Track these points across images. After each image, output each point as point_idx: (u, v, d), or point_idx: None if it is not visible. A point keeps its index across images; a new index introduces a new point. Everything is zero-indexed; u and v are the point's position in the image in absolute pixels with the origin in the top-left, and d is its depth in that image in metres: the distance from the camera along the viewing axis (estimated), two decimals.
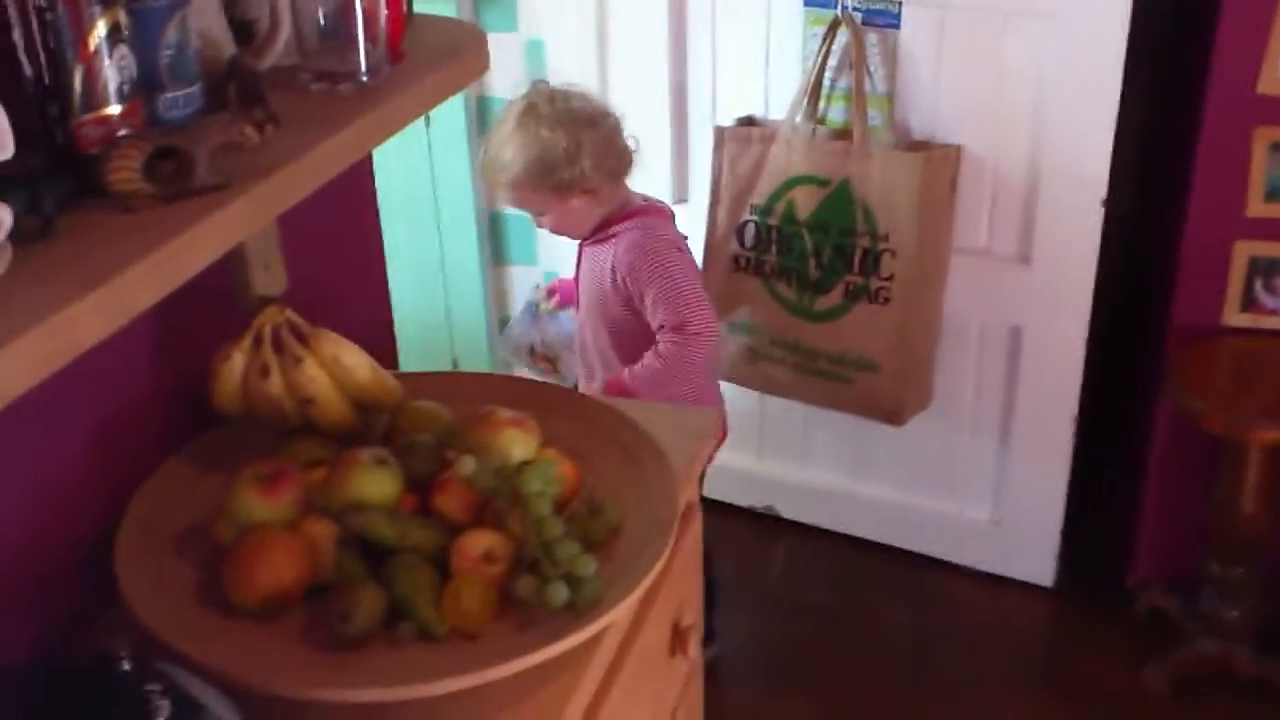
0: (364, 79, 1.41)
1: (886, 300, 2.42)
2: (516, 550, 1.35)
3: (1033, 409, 2.55)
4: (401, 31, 1.52)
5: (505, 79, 2.77)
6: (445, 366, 3.06)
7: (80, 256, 1.06)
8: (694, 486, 1.72)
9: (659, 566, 1.36)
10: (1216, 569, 2.37)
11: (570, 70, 2.68)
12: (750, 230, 2.52)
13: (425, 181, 2.89)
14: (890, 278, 2.41)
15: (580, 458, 1.52)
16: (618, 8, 2.61)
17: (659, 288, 2.20)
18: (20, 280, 0.99)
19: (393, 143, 1.50)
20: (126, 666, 1.17)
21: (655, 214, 2.28)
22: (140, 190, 1.13)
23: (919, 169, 2.35)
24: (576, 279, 2.36)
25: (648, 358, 2.22)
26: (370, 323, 1.93)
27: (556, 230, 2.31)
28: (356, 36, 1.40)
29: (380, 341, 1.97)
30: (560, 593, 1.29)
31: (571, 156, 2.18)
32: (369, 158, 1.87)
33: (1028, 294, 2.46)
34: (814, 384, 2.53)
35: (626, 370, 2.24)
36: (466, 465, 1.39)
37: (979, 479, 2.67)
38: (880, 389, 2.47)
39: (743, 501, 2.92)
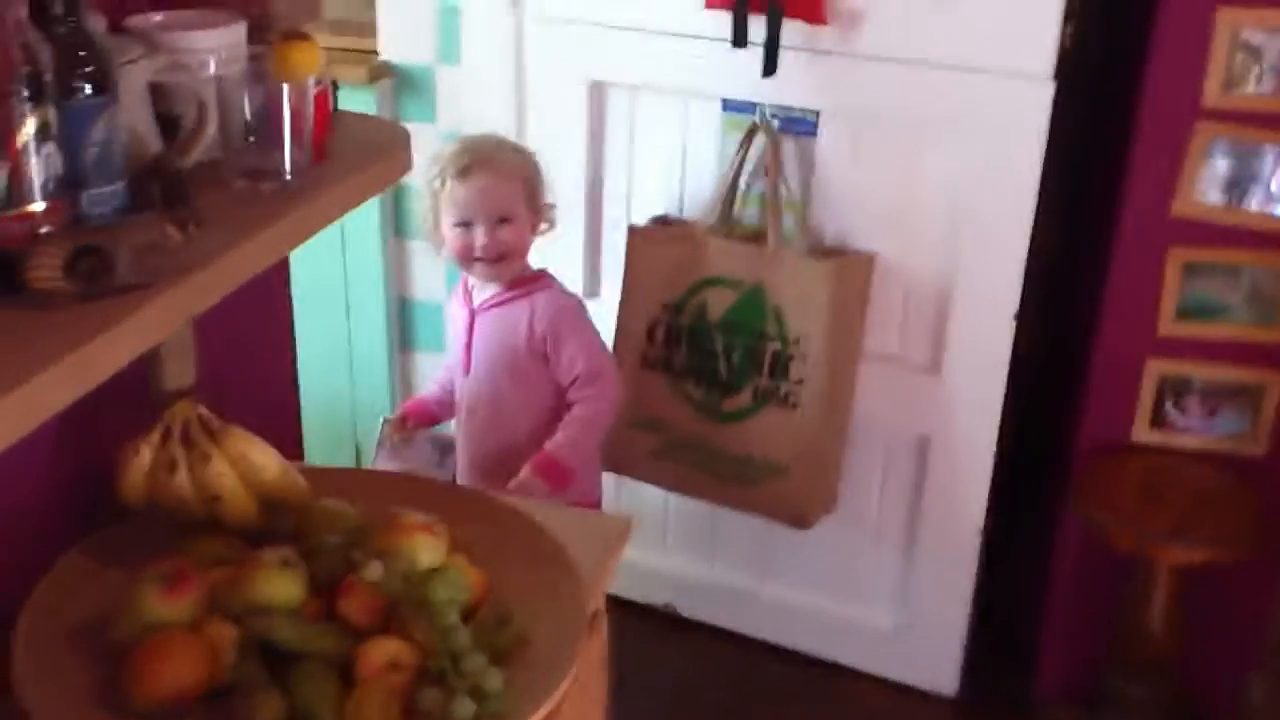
0: (287, 178, 1.41)
1: (795, 405, 2.44)
2: (422, 659, 1.34)
3: (938, 517, 2.58)
4: (327, 131, 1.52)
5: (421, 168, 2.78)
6: (348, 453, 3.02)
7: None
8: (601, 593, 1.72)
9: (567, 682, 1.35)
10: (1120, 687, 2.39)
11: None
12: (661, 329, 2.54)
13: (336, 267, 2.87)
14: (800, 382, 2.43)
15: (488, 563, 1.51)
16: (537, 102, 2.64)
17: (579, 340, 2.31)
18: None
19: None
20: None
21: (551, 278, 2.38)
22: (60, 289, 1.12)
23: (831, 276, 2.39)
24: (469, 348, 2.35)
25: (567, 424, 2.28)
26: (277, 414, 1.92)
27: (503, 249, 2.27)
28: (281, 136, 1.40)
29: (286, 433, 1.95)
30: (466, 708, 1.27)
31: (547, 186, 2.34)
32: None
33: (937, 403, 2.50)
34: (720, 485, 2.54)
35: (549, 444, 2.27)
36: (373, 570, 1.37)
37: (883, 585, 2.69)
38: (787, 493, 2.48)
39: (641, 597, 2.90)
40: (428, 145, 2.73)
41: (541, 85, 2.63)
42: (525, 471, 2.25)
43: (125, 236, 1.16)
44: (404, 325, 2.98)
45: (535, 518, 1.61)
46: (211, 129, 1.38)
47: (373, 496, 1.62)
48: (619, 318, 2.58)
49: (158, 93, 1.38)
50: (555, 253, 2.70)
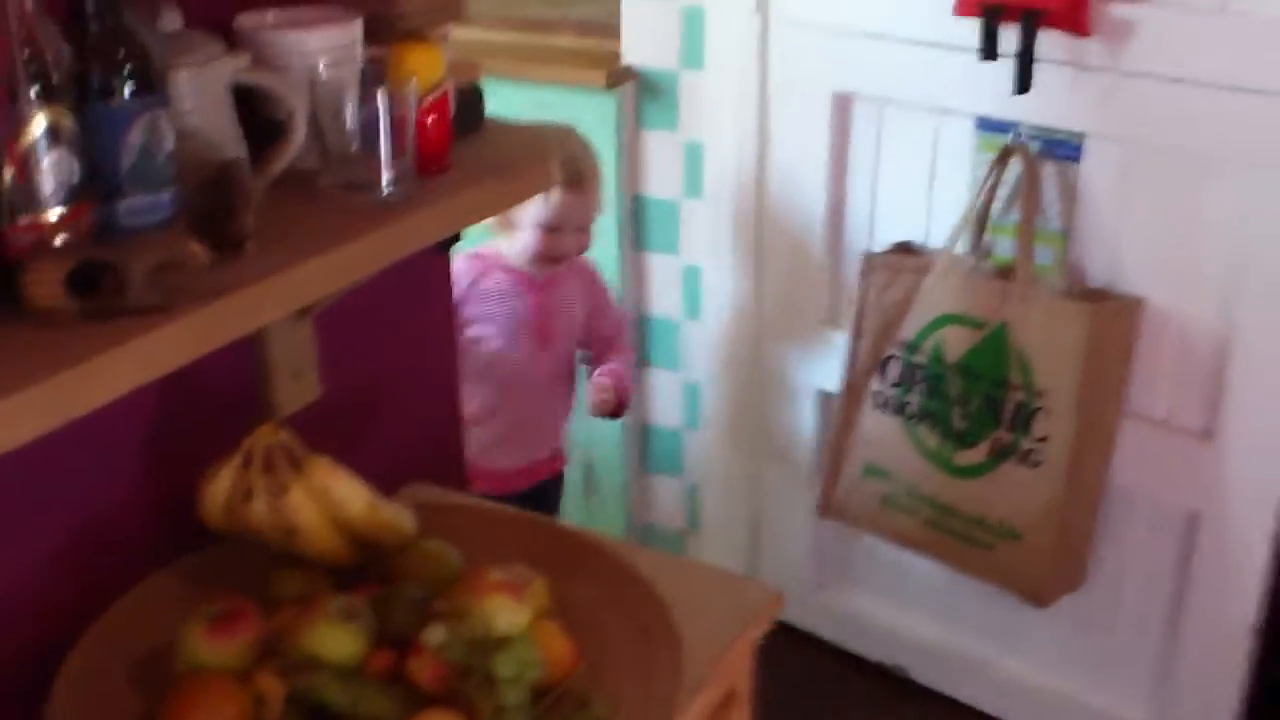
0: (384, 192, 1.29)
1: (1037, 464, 2.15)
2: None
3: (1206, 609, 2.21)
4: (447, 141, 1.39)
5: (661, 178, 2.64)
6: None
7: None
8: (739, 672, 1.52)
9: None
10: None
11: (727, 175, 2.53)
12: (894, 367, 2.29)
13: None
14: (1044, 439, 2.13)
15: (588, 632, 1.35)
16: (780, 116, 2.43)
17: (612, 300, 2.51)
18: None
19: None
20: None
21: None
22: (60, 307, 1.02)
23: (1086, 321, 2.08)
24: (543, 325, 2.36)
25: (618, 361, 2.44)
26: (432, 435, 1.80)
27: (575, 249, 2.32)
28: (379, 146, 1.28)
29: (445, 455, 1.83)
30: None
31: None
32: (446, 247, 1.74)
33: (1209, 476, 2.14)
34: (949, 544, 2.27)
35: (610, 367, 2.41)
36: (436, 634, 1.23)
37: (1137, 676, 2.33)
38: (1022, 562, 2.19)
39: (873, 655, 2.66)
40: (669, 155, 2.60)
41: (784, 94, 2.42)
42: (602, 382, 2.38)
43: (142, 253, 1.06)
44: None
45: (656, 585, 1.42)
46: (299, 136, 1.27)
47: (491, 541, 1.49)
48: (848, 354, 2.35)
49: (255, 96, 1.29)
50: (794, 278, 2.51)
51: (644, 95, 2.60)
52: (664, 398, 2.82)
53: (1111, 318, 2.11)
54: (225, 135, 1.25)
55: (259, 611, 1.29)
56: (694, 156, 2.57)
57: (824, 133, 2.38)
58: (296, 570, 1.38)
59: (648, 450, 2.91)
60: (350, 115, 1.29)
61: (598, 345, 2.47)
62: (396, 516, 1.39)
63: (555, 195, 2.22)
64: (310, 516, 1.33)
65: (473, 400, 2.40)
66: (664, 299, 2.73)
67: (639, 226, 2.71)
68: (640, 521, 2.96)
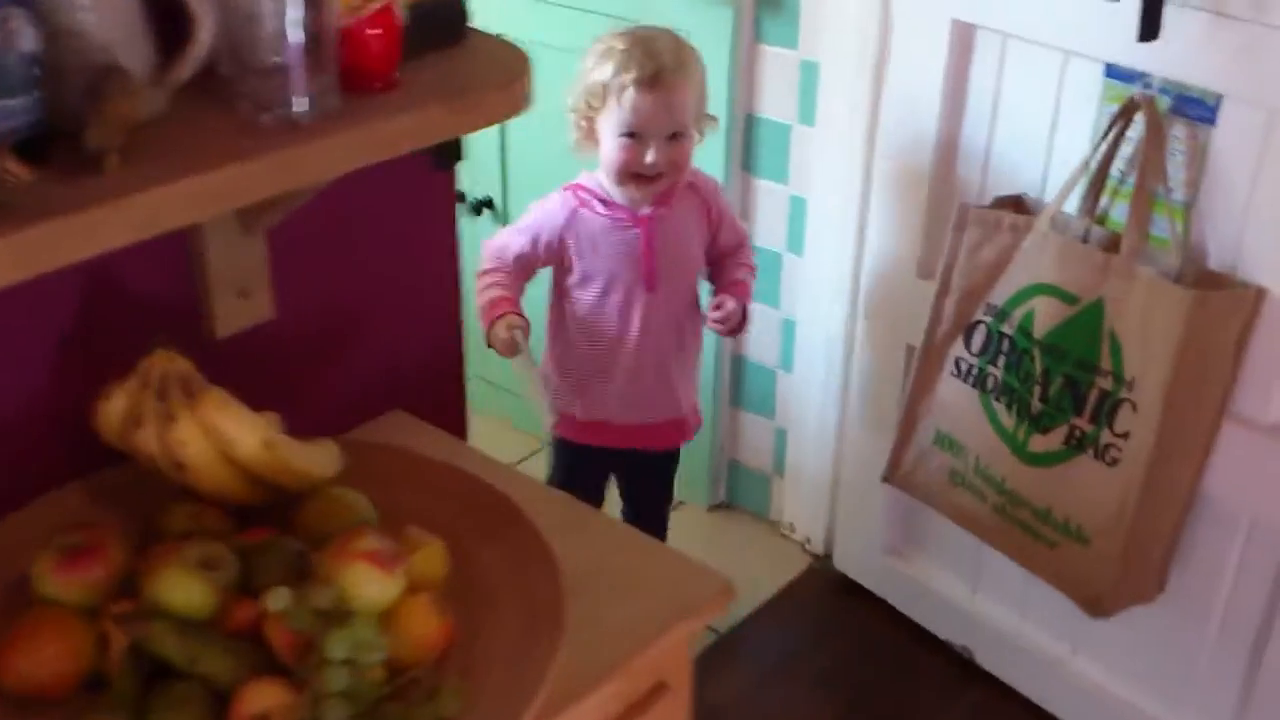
0: (293, 110, 1.17)
1: (1115, 462, 1.92)
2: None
3: None
4: (393, 57, 1.26)
5: (775, 98, 2.45)
6: None
7: None
8: (674, 665, 1.39)
9: None
10: None
11: (839, 98, 2.33)
12: (980, 334, 2.08)
13: None
14: (1125, 435, 1.90)
15: (479, 608, 1.25)
16: (901, 42, 2.20)
17: (730, 210, 2.25)
18: None
19: None
20: None
21: None
22: None
23: (1190, 309, 1.82)
24: (651, 262, 2.11)
25: (742, 275, 2.21)
26: (421, 362, 1.69)
27: (673, 165, 2.05)
28: (291, 59, 1.16)
29: (436, 383, 1.72)
30: None
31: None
32: (450, 161, 1.63)
33: None
34: (1011, 533, 2.07)
35: (735, 280, 2.19)
36: (279, 599, 1.14)
37: (1220, 699, 2.09)
38: (1084, 567, 1.97)
39: (940, 632, 2.48)
40: (786, 73, 2.41)
41: (907, 16, 2.19)
42: (728, 300, 2.13)
43: None
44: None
45: (605, 556, 1.32)
46: (202, 43, 1.16)
47: (415, 490, 1.39)
48: (931, 314, 2.13)
49: None
50: (899, 223, 2.30)
51: (763, 8, 2.40)
52: (759, 333, 2.65)
53: (1221, 308, 1.85)
54: (123, 36, 1.14)
55: (122, 547, 1.23)
56: (809, 77, 2.37)
57: (940, 67, 2.14)
58: (186, 505, 1.30)
59: (740, 386, 2.75)
60: (267, 22, 1.18)
61: (720, 261, 2.22)
62: (298, 459, 1.30)
63: (629, 97, 2.00)
64: (199, 452, 1.25)
65: (571, 353, 2.20)
66: (768, 229, 2.55)
67: (749, 149, 2.52)
68: (728, 457, 2.83)
